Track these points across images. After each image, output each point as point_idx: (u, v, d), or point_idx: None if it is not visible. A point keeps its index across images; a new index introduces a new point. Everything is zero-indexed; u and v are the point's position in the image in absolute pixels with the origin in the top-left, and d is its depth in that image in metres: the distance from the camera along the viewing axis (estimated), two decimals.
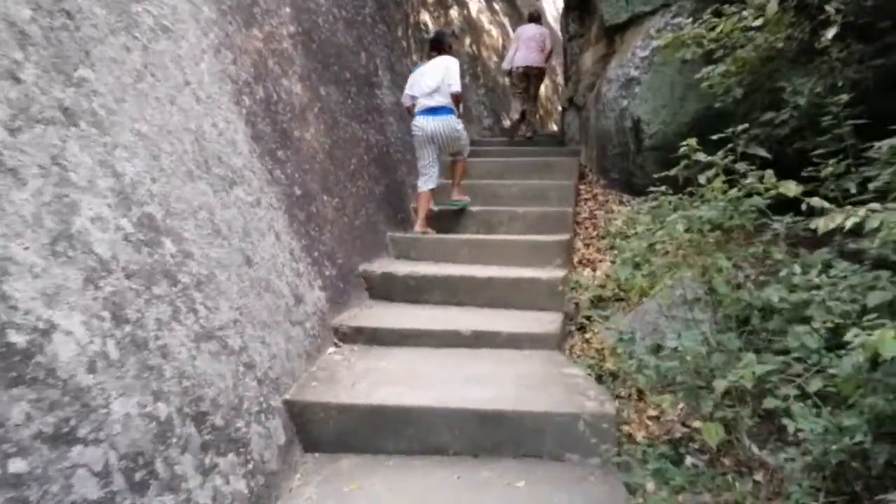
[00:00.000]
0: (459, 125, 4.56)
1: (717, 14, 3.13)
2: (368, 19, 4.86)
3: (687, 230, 1.98)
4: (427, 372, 2.56)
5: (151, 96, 2.07)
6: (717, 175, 2.13)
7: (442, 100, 4.43)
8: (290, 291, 2.51)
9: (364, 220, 3.86)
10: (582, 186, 5.40)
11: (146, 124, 1.98)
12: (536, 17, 7.33)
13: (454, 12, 8.35)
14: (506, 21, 12.07)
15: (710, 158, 2.18)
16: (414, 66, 5.37)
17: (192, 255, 1.98)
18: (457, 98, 4.51)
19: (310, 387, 2.39)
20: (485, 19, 10.08)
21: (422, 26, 6.88)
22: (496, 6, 11.77)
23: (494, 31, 10.49)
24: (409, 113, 4.55)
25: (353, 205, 3.75)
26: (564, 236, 3.86)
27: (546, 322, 2.97)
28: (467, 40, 8.63)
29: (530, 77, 6.98)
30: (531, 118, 7.26)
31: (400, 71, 5.41)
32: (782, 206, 2.13)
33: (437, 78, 4.42)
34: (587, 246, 4.23)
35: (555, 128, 11.94)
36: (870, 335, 1.28)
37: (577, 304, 3.39)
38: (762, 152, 2.21)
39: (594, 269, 3.87)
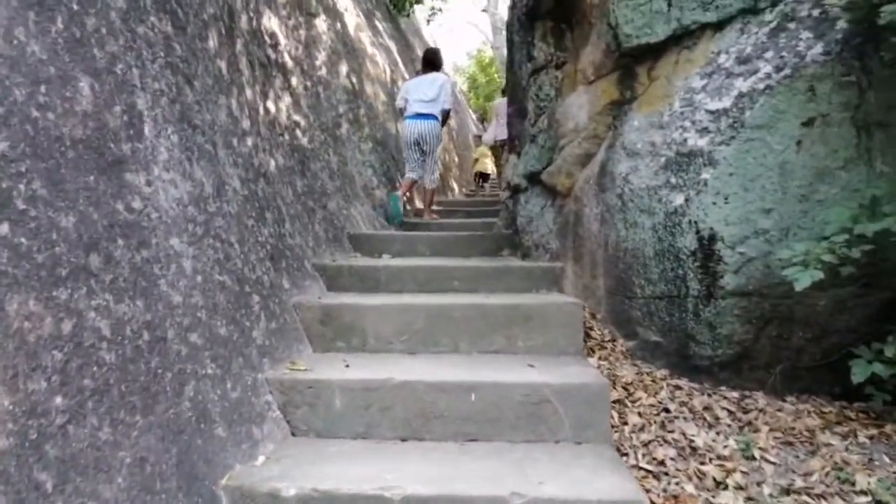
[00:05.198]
0: (441, 133, 6.18)
1: None
2: (120, 3, 2.18)
3: None
4: None
5: None
6: None
7: (433, 110, 5.99)
8: None
9: None
10: (590, 359, 3.00)
11: None
12: None
13: (322, 24, 5.84)
14: (392, 45, 9.81)
15: None
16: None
17: None
18: (446, 114, 6.16)
19: None
20: (366, 40, 7.68)
21: (266, 39, 4.26)
22: (378, 25, 9.47)
23: (379, 59, 8.12)
24: (401, 114, 6.31)
25: None
26: None
27: None
28: (343, 68, 6.13)
29: (503, 148, 7.78)
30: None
31: (210, 122, 2.73)
32: None
33: (434, 90, 5.97)
34: None
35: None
36: None
37: None
38: None
39: None
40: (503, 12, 27.76)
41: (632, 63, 3.23)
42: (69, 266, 1.66)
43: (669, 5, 3.01)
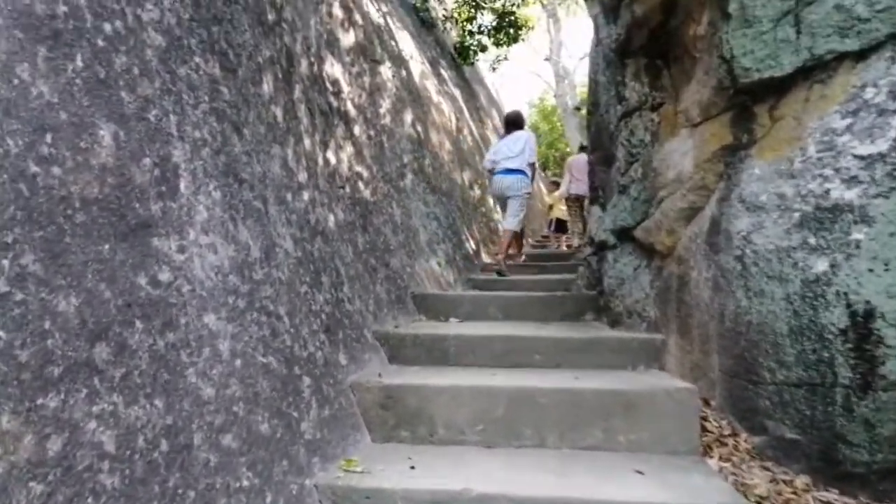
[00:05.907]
0: (528, 186, 6.36)
1: None
2: (158, 41, 1.90)
3: None
4: None
5: None
6: None
7: (519, 165, 6.25)
8: None
9: None
10: (709, 461, 2.45)
11: None
12: (585, 148, 8.81)
13: (387, 71, 5.62)
14: (457, 94, 9.62)
15: None
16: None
17: None
18: (533, 166, 6.49)
19: None
20: (431, 88, 7.48)
21: (328, 86, 4.02)
22: (443, 73, 9.31)
23: (445, 107, 7.90)
24: (490, 173, 6.58)
25: None
26: None
27: None
28: (408, 116, 5.87)
29: (581, 201, 8.64)
30: (580, 236, 8.73)
31: (260, 175, 2.41)
32: None
33: (520, 146, 6.29)
34: None
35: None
36: None
37: None
38: None
39: None
40: (566, 61, 27.66)
41: (748, 101, 2.74)
42: (65, 363, 1.30)
43: (798, 32, 2.54)
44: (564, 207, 10.90)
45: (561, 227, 11.19)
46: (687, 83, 3.09)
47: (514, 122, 6.63)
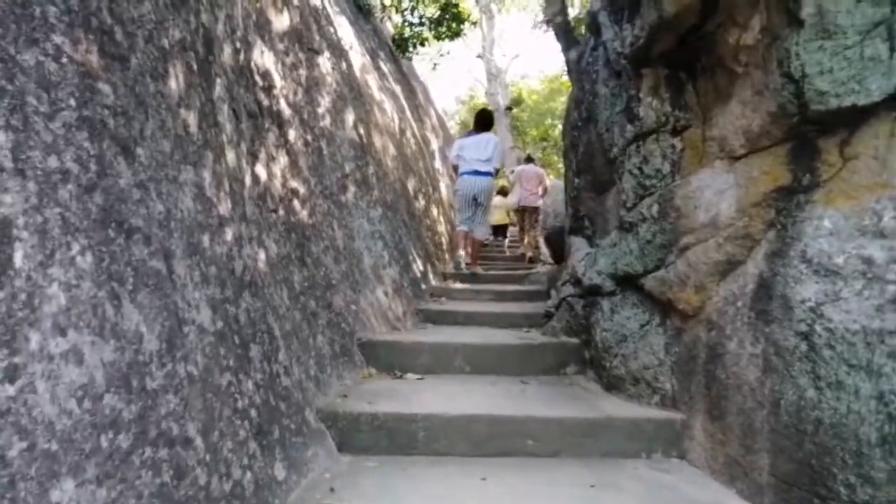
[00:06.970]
0: (494, 189, 7.15)
1: None
2: None
3: None
4: None
5: None
6: None
7: (489, 168, 6.58)
8: None
9: None
10: None
11: None
12: (532, 159, 10.27)
13: (326, 62, 4.81)
14: (398, 90, 8.86)
15: None
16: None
17: None
18: (497, 171, 6.81)
19: None
20: (373, 83, 6.69)
21: (258, 80, 3.21)
22: (383, 67, 8.53)
23: (387, 105, 7.13)
24: (455, 171, 6.98)
25: None
26: None
27: None
28: (349, 117, 5.08)
29: (526, 212, 9.30)
30: (532, 245, 9.34)
31: (161, 217, 1.62)
32: None
33: (489, 150, 6.57)
34: None
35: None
36: None
37: None
38: None
39: None
40: (498, 59, 27.23)
41: (812, 132, 2.19)
42: None
43: (892, 49, 1.99)
44: (502, 211, 11.12)
45: (496, 231, 11.44)
46: (722, 103, 2.51)
47: (485, 123, 6.88)
